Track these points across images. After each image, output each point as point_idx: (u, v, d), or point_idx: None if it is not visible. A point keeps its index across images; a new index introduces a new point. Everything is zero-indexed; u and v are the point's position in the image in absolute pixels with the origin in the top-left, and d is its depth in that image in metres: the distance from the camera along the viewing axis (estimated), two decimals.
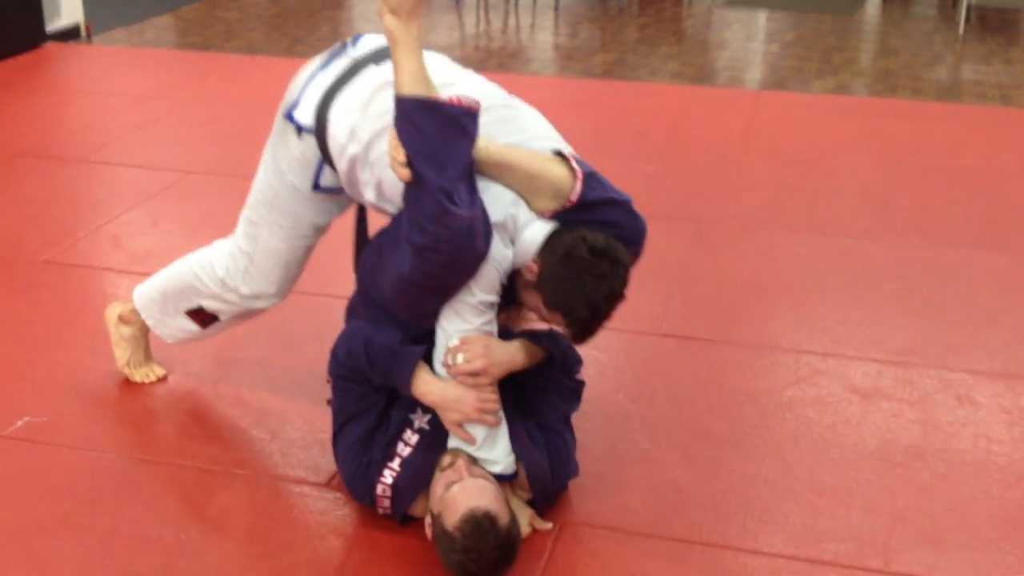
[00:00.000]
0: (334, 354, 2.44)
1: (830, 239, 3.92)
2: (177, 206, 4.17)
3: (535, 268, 2.26)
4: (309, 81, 2.46)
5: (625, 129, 5.09)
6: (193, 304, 2.81)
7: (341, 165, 2.40)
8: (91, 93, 5.58)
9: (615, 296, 2.26)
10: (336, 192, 2.54)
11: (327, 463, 2.63)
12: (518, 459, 2.39)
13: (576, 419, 2.59)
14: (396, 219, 2.37)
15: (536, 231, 2.26)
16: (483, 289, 2.27)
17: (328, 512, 2.48)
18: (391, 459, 2.36)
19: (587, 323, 2.26)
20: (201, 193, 4.27)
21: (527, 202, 2.28)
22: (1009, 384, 3.02)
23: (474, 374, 2.30)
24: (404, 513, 2.39)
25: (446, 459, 2.34)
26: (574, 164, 2.27)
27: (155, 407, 2.90)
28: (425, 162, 2.13)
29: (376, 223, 2.56)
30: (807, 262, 3.75)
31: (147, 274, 2.98)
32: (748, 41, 6.97)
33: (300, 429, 2.79)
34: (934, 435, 2.79)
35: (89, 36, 6.57)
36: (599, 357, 3.06)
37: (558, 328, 2.34)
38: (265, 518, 2.48)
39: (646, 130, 5.07)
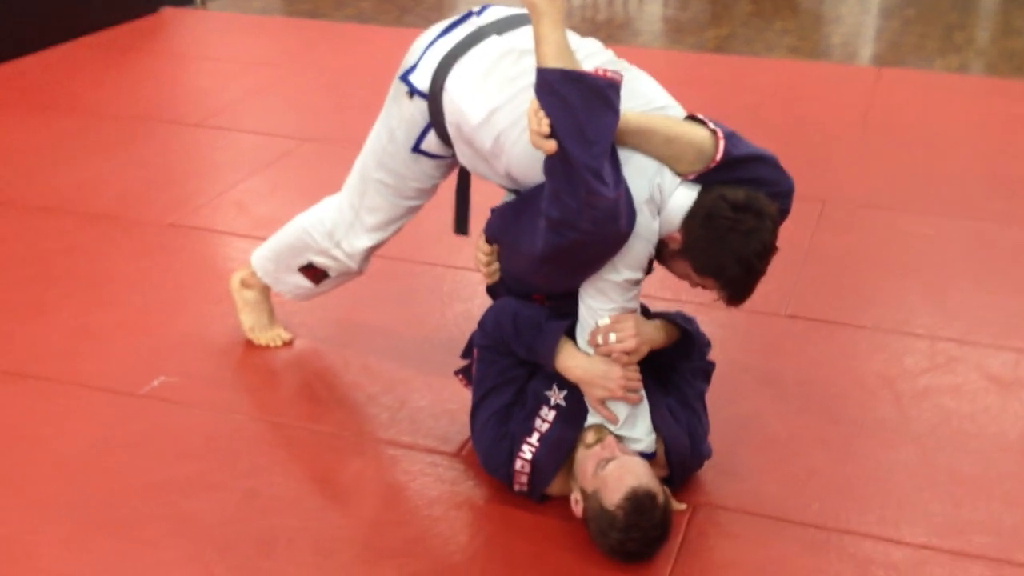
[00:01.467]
0: (481, 325, 2.44)
1: (960, 221, 3.80)
2: (295, 173, 4.20)
3: (679, 237, 2.22)
4: (429, 46, 2.45)
5: (739, 105, 4.99)
6: (304, 260, 2.83)
7: (457, 132, 2.39)
8: (207, 59, 5.65)
9: (767, 250, 2.20)
10: (437, 158, 2.54)
11: (456, 433, 2.64)
12: (657, 437, 2.36)
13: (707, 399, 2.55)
14: (532, 190, 2.33)
15: (681, 198, 2.21)
16: (629, 266, 2.23)
17: (459, 483, 2.48)
18: (529, 434, 2.35)
19: (742, 281, 2.21)
20: (318, 160, 4.29)
21: (669, 167, 2.23)
22: None
23: (626, 353, 2.27)
24: (543, 491, 2.38)
25: (590, 436, 2.32)
26: (712, 125, 2.22)
27: (283, 371, 2.93)
28: (571, 136, 2.09)
29: (481, 188, 2.54)
30: (937, 245, 3.65)
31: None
32: (864, 15, 6.79)
33: (427, 398, 2.79)
34: None
35: (204, 1, 6.65)
36: (726, 337, 3.01)
37: (712, 292, 2.29)
38: (396, 486, 2.49)
39: (760, 105, 4.97)
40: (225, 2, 6.80)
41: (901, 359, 2.99)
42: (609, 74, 2.12)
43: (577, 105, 2.10)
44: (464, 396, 2.73)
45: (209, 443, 2.61)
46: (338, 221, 2.74)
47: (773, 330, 3.13)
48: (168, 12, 6.32)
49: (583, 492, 2.26)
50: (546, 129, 2.10)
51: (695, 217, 2.20)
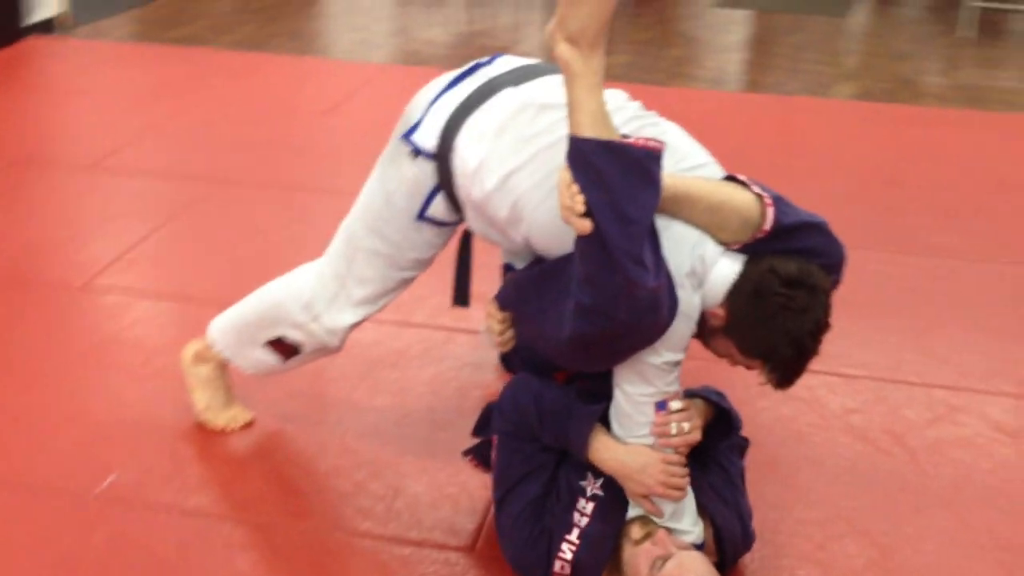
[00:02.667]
0: (500, 407, 2.19)
1: (916, 258, 3.73)
2: (213, 221, 3.84)
3: (722, 313, 2.02)
4: (435, 100, 2.20)
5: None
6: (274, 334, 2.52)
7: (468, 196, 2.15)
8: (86, 92, 5.17)
9: (820, 328, 2.00)
10: (443, 225, 2.29)
11: (464, 522, 2.38)
12: (705, 521, 2.16)
13: None
14: (556, 262, 2.10)
15: (724, 270, 2.01)
16: (670, 348, 2.02)
17: None
18: (568, 530, 2.11)
19: (793, 364, 2.01)
20: (235, 205, 3.94)
21: (711, 236, 2.03)
22: None
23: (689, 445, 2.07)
24: None
25: (636, 530, 2.10)
26: (757, 189, 2.03)
27: (251, 459, 2.60)
28: (608, 216, 1.86)
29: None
30: (900, 283, 3.56)
31: (200, 300, 2.68)
32: (760, 43, 6.80)
33: (421, 482, 2.51)
34: None
35: (70, 29, 6.14)
36: None
37: (759, 373, 2.09)
38: None
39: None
40: (91, 29, 6.30)
41: (900, 409, 2.87)
42: (651, 143, 1.90)
43: (615, 181, 1.86)
44: (464, 478, 2.51)
45: (183, 552, 2.28)
46: (319, 292, 2.44)
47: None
48: (32, 41, 5.80)
49: None
50: (580, 207, 1.86)
51: (741, 293, 1.99)
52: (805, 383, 2.16)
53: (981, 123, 5.15)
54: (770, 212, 1.98)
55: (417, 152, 2.20)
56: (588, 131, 1.88)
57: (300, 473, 2.56)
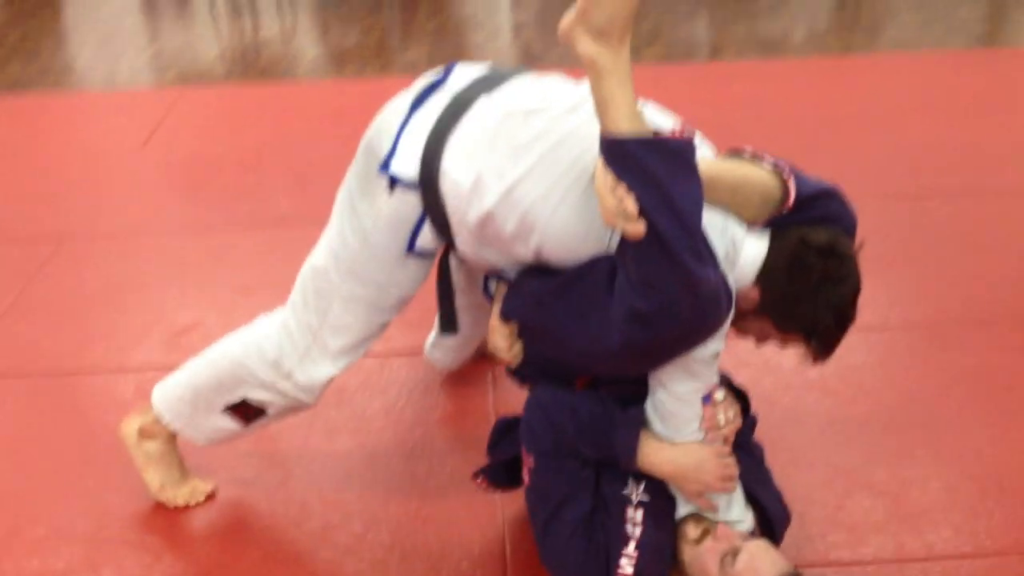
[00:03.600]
0: (531, 426, 2.07)
1: None
2: (73, 280, 3.45)
3: (755, 294, 1.98)
4: (403, 125, 2.04)
5: None
6: (235, 397, 2.31)
7: (463, 218, 2.01)
8: None
9: (857, 294, 1.99)
10: (429, 255, 2.15)
11: (484, 556, 2.26)
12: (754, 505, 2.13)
13: None
14: (577, 270, 1.99)
15: (753, 250, 1.97)
16: (717, 339, 1.96)
17: None
18: (624, 544, 2.01)
19: (835, 333, 2.00)
20: (92, 261, 3.57)
21: (735, 216, 1.98)
22: None
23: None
24: None
25: (692, 529, 2.04)
26: (771, 161, 2.00)
27: (229, 535, 2.36)
28: (664, 214, 1.78)
29: None
30: None
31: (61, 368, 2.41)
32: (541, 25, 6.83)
33: (422, 523, 2.36)
34: None
35: None
36: None
37: (795, 348, 2.07)
38: None
39: None
40: None
41: (846, 358, 2.93)
42: (685, 133, 1.83)
43: (663, 176, 1.78)
44: (466, 507, 2.39)
45: None
46: (286, 348, 2.23)
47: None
48: None
49: None
50: (633, 208, 1.78)
51: (776, 269, 1.95)
52: (748, 346, 2.17)
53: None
54: (792, 185, 1.95)
55: (395, 183, 2.03)
56: (626, 127, 1.78)
57: (292, 538, 2.35)
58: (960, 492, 2.42)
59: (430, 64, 5.66)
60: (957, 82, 5.09)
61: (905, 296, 3.21)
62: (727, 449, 2.05)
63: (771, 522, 2.13)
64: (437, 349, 2.79)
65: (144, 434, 2.39)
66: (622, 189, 1.78)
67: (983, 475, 2.47)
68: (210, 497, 2.45)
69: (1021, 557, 2.23)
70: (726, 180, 1.94)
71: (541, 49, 6.00)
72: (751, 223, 1.98)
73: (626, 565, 2.01)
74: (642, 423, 2.05)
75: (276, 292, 3.23)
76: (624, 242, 1.84)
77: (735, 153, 2.02)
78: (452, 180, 1.98)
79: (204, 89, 5.31)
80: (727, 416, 2.04)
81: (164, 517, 2.40)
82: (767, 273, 1.96)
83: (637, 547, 2.02)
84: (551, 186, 1.93)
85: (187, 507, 2.42)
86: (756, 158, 2.00)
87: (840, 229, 2.01)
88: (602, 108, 1.80)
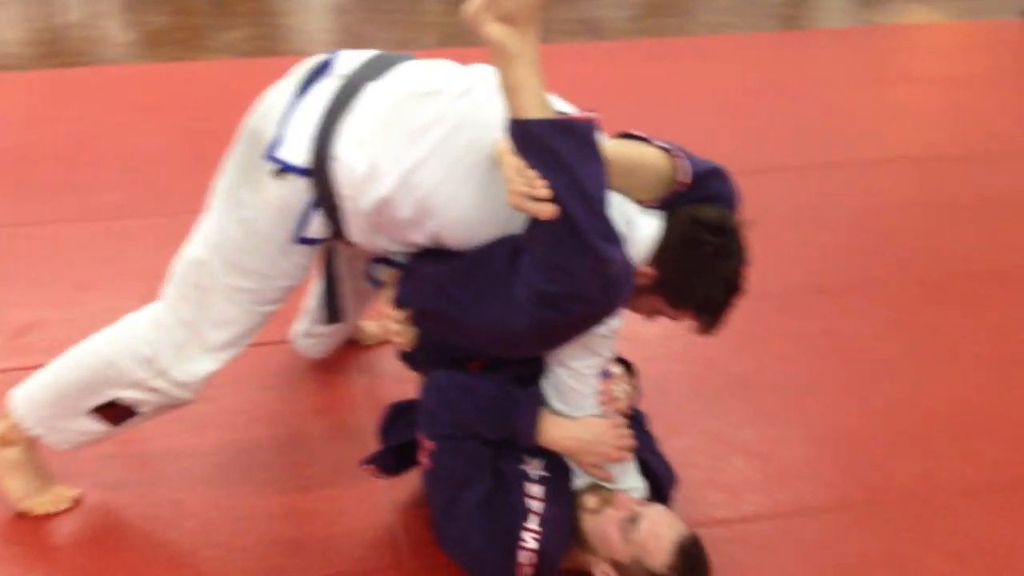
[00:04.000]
0: (430, 411, 2.05)
1: None
2: None
3: (650, 272, 2.02)
4: (289, 112, 1.99)
5: None
6: (104, 398, 2.20)
7: (357, 204, 1.98)
8: None
9: (744, 267, 2.06)
10: (315, 244, 2.10)
11: (377, 541, 2.22)
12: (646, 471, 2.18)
13: None
14: (475, 255, 2.00)
15: (647, 230, 2.01)
16: (615, 316, 1.99)
17: None
18: (525, 518, 2.02)
19: (724, 307, 2.06)
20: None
21: (629, 197, 2.01)
22: None
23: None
24: None
25: (591, 500, 2.06)
26: (659, 143, 2.05)
27: (92, 540, 2.24)
28: (574, 197, 1.80)
29: None
30: None
31: None
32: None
33: (309, 514, 2.31)
34: None
35: None
36: None
37: (685, 322, 2.11)
38: None
39: None
40: None
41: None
42: (589, 114, 1.85)
43: (571, 160, 1.80)
44: (347, 495, 2.38)
45: None
46: (161, 345, 2.14)
47: None
48: None
49: (616, 564, 2.01)
50: (543, 192, 1.78)
51: (670, 247, 2.00)
52: None
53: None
54: (683, 165, 1.99)
55: (284, 170, 1.97)
56: (534, 112, 1.79)
57: (170, 539, 2.25)
58: (823, 448, 2.54)
59: (249, 47, 5.52)
60: (770, 62, 5.33)
61: (752, 268, 3.33)
62: (623, 420, 2.09)
63: (661, 487, 2.19)
64: (308, 338, 2.72)
65: (3, 441, 2.24)
66: (531, 172, 1.78)
67: (839, 431, 2.61)
68: (76, 503, 2.32)
69: (884, 504, 2.36)
70: (622, 162, 1.97)
71: (365, 30, 5.93)
72: (644, 203, 2.02)
73: (530, 540, 2.02)
74: (541, 401, 2.07)
75: (116, 287, 3.13)
76: (532, 225, 1.85)
77: (626, 136, 2.06)
78: (346, 166, 1.94)
79: (9, 75, 5.01)
80: (624, 389, 2.08)
81: (29, 527, 2.26)
82: (662, 251, 2.00)
83: (540, 523, 2.03)
84: (449, 170, 1.92)
85: (51, 515, 2.29)
86: (646, 141, 2.03)
87: (726, 207, 2.07)
88: (510, 93, 1.80)
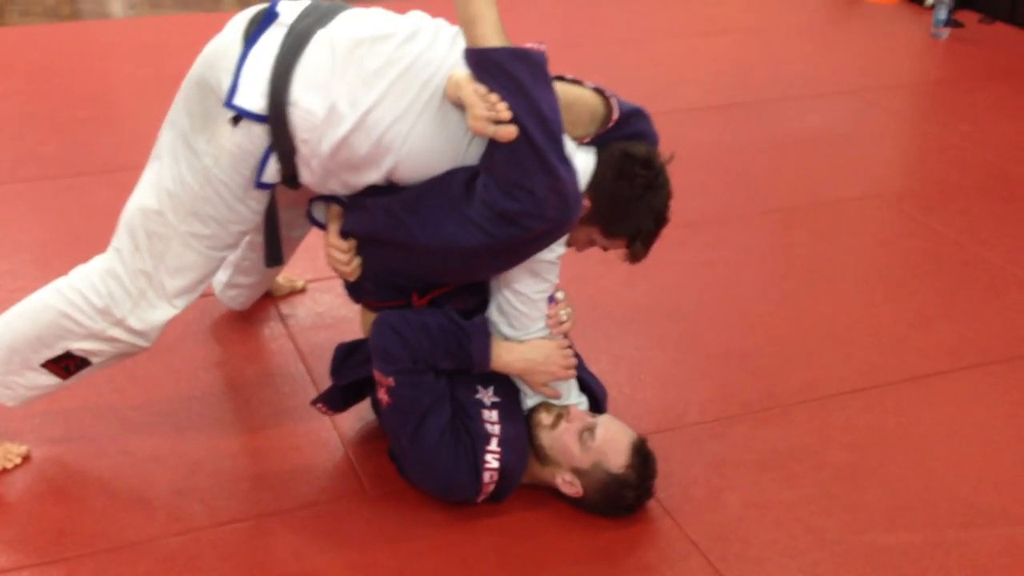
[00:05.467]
0: (384, 349, 2.17)
1: None
2: None
3: (586, 203, 2.17)
4: (241, 61, 2.07)
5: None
6: (58, 350, 2.23)
7: (315, 148, 2.07)
8: None
9: (670, 198, 2.24)
10: (269, 188, 2.19)
11: (337, 471, 2.35)
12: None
13: None
14: (434, 183, 2.11)
15: (583, 163, 2.16)
16: (561, 242, 2.16)
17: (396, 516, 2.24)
18: (487, 441, 2.19)
19: (653, 236, 2.24)
20: None
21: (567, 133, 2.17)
22: None
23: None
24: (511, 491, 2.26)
25: (545, 416, 2.25)
26: (590, 84, 2.22)
27: (53, 492, 2.27)
28: (532, 119, 1.96)
29: None
30: None
31: None
32: None
33: (249, 460, 2.40)
34: None
35: None
36: None
37: (616, 251, 2.30)
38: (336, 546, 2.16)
39: None
40: None
41: None
42: (540, 46, 2.01)
43: (529, 85, 1.96)
44: (292, 430, 2.49)
45: None
46: (117, 295, 2.18)
47: None
48: None
49: (577, 471, 2.20)
50: (505, 114, 1.94)
51: (604, 180, 2.16)
52: None
53: None
54: (615, 103, 2.17)
55: (242, 116, 2.05)
56: (494, 41, 1.94)
57: (129, 486, 2.30)
58: (720, 365, 2.80)
59: (71, 8, 5.34)
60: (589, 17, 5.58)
61: None
62: (567, 341, 2.28)
63: (598, 401, 2.40)
64: (231, 289, 2.78)
65: None
66: (494, 96, 1.93)
67: (731, 349, 2.87)
68: (25, 459, 2.33)
69: (782, 408, 2.64)
70: (563, 99, 2.11)
71: None
72: (579, 139, 2.18)
73: (492, 460, 2.18)
74: (488, 328, 2.22)
75: (4, 253, 3.09)
76: (492, 149, 2.00)
77: (559, 78, 2.21)
78: (303, 110, 2.03)
79: None
80: (569, 313, 2.26)
81: None
82: (596, 184, 2.16)
83: (500, 443, 2.20)
84: (406, 108, 2.04)
85: (3, 471, 2.29)
86: (578, 82, 2.20)
87: (650, 144, 2.26)
88: (469, 24, 1.95)
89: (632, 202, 2.18)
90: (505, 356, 2.21)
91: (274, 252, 2.40)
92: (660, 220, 2.23)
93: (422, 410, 2.18)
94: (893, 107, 4.62)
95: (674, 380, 2.73)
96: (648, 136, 2.28)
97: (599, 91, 2.19)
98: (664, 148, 2.26)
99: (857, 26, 5.72)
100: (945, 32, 5.44)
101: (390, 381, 2.18)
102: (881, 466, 2.44)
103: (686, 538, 2.21)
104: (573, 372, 2.28)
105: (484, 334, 2.20)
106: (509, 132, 1.95)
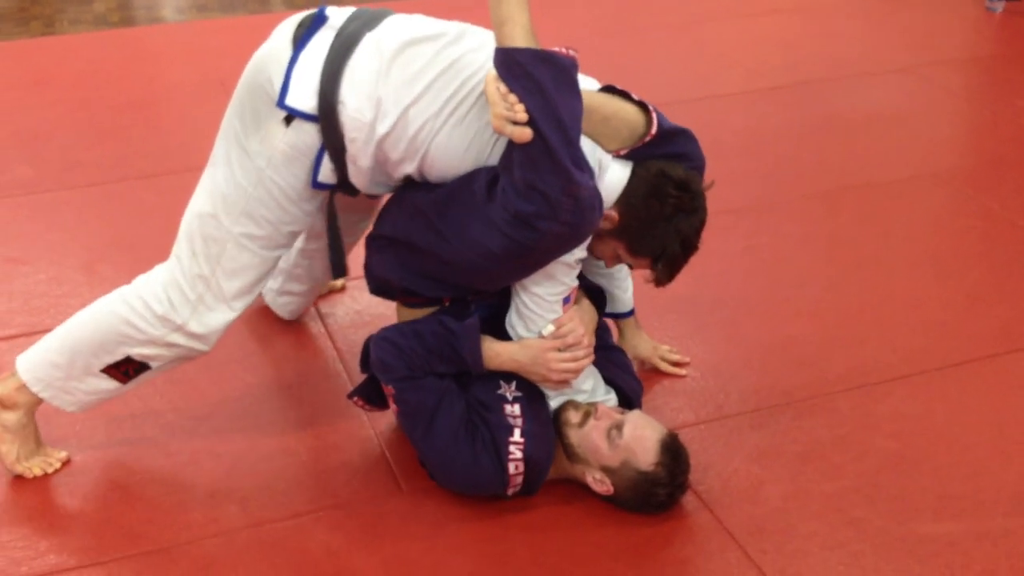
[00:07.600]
0: (382, 361, 2.19)
1: None
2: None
3: (615, 216, 2.14)
4: (291, 63, 2.10)
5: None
6: (118, 356, 2.27)
7: (364, 147, 2.10)
8: None
9: (702, 226, 2.19)
10: (323, 190, 2.21)
11: (372, 472, 2.35)
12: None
13: None
14: (458, 185, 2.12)
15: (617, 175, 2.13)
16: (581, 246, 2.13)
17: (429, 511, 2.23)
18: (510, 433, 2.17)
19: (680, 261, 2.19)
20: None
21: (601, 145, 2.13)
22: None
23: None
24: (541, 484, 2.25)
25: (572, 414, 2.23)
26: (636, 97, 2.17)
27: (96, 496, 2.31)
28: (548, 122, 1.94)
29: None
30: None
31: None
32: None
33: (285, 459, 2.41)
34: None
35: None
36: None
37: (641, 269, 2.25)
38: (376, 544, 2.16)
39: None
40: None
41: None
42: (571, 52, 2.00)
43: (549, 88, 1.94)
44: (329, 429, 2.50)
45: None
46: (177, 300, 2.22)
47: None
48: None
49: (607, 469, 2.18)
50: (522, 115, 1.93)
51: (636, 195, 2.12)
52: None
53: None
54: (655, 118, 2.13)
55: (295, 116, 2.08)
56: (521, 43, 1.94)
57: (175, 489, 2.32)
58: (764, 354, 2.76)
59: (120, 15, 5.42)
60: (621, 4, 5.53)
61: None
62: (560, 342, 2.20)
63: (628, 398, 2.37)
64: (282, 296, 2.82)
65: (3, 405, 2.29)
66: (513, 97, 1.92)
67: (775, 337, 2.82)
68: (66, 463, 2.37)
69: (827, 397, 2.59)
70: (600, 110, 2.09)
71: None
72: (616, 152, 2.14)
73: (515, 451, 2.17)
74: (478, 329, 2.19)
75: (54, 259, 3.14)
76: (510, 149, 1.98)
77: (607, 89, 2.18)
78: (353, 109, 2.07)
79: None
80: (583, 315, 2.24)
81: (29, 488, 2.31)
82: (627, 198, 2.13)
83: (524, 434, 2.18)
84: (440, 108, 2.06)
85: (47, 476, 2.33)
86: (625, 94, 2.16)
87: (693, 167, 2.20)
88: (500, 25, 1.95)
89: (660, 222, 2.13)
90: (496, 359, 2.21)
91: (339, 263, 2.45)
92: (688, 245, 2.17)
93: (429, 411, 2.18)
94: (946, 84, 4.50)
95: (715, 370, 2.69)
96: (692, 158, 2.23)
97: (643, 106, 2.15)
98: (706, 143, 2.20)
99: (908, 1, 5.59)
100: (999, 6, 5.29)
101: (391, 390, 2.20)
102: (926, 455, 2.39)
103: (724, 531, 2.18)
104: (566, 380, 2.23)
105: (473, 336, 2.19)
106: (524, 133, 1.94)
